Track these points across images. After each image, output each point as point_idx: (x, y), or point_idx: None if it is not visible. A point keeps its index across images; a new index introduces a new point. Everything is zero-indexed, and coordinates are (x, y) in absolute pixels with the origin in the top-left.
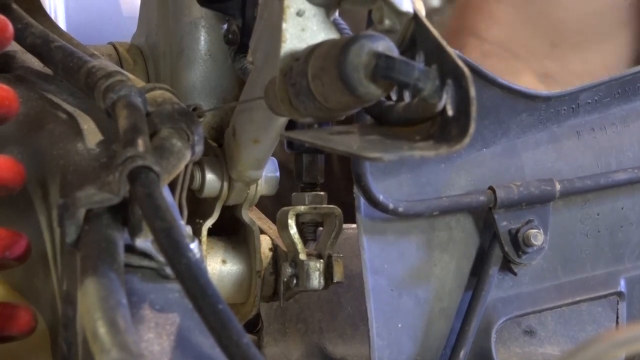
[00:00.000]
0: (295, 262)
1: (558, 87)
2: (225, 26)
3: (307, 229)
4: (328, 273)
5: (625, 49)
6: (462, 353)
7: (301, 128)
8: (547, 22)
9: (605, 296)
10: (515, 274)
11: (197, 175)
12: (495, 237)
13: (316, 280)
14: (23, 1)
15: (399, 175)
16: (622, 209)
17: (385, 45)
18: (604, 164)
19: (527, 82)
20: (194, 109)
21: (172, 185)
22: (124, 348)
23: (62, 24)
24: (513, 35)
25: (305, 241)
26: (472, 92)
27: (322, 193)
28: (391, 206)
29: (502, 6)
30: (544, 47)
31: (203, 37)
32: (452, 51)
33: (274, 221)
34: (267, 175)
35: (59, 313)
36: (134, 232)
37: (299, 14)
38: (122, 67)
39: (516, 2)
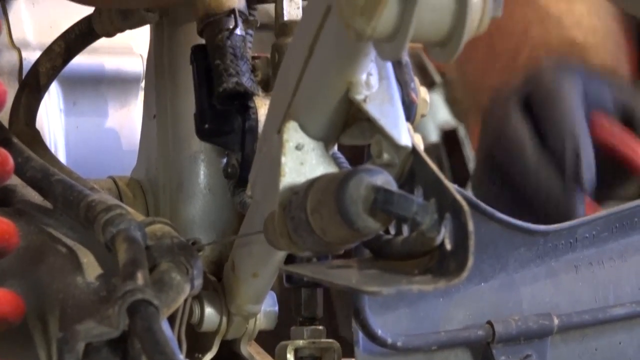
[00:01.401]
0: None
1: None
2: (225, 160)
3: None
4: None
5: None
6: None
7: (300, 262)
8: None
9: None
10: None
11: (196, 309)
12: None
13: None
14: (24, 135)
15: (397, 310)
16: (620, 344)
17: (384, 179)
18: (601, 298)
19: None
20: (193, 243)
21: (171, 319)
22: None
23: (62, 157)
24: None
25: None
26: (470, 226)
27: (320, 327)
28: (389, 341)
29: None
30: None
31: (202, 171)
32: (450, 185)
33: (272, 355)
34: (266, 309)
35: None
36: None
37: (298, 147)
38: (121, 200)
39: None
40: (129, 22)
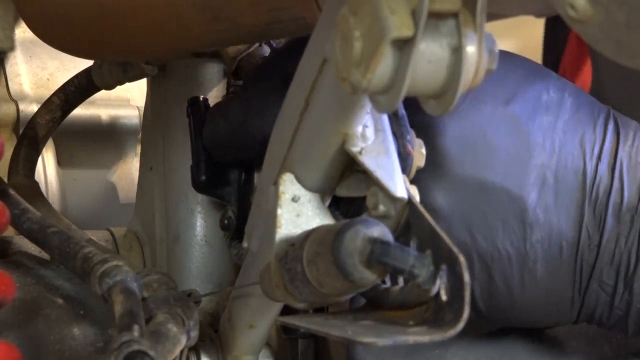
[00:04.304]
0: None
1: None
2: (221, 212)
3: None
4: None
5: None
6: None
7: (296, 313)
8: None
9: None
10: None
11: None
12: None
13: None
14: (22, 187)
15: None
16: None
17: (380, 231)
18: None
19: None
20: (190, 294)
21: None
22: None
23: (59, 209)
24: None
25: None
26: (466, 277)
27: None
28: None
29: None
30: None
31: (199, 222)
32: (445, 236)
33: None
34: None
35: None
36: None
37: (294, 199)
38: (118, 252)
39: None
40: (129, 75)
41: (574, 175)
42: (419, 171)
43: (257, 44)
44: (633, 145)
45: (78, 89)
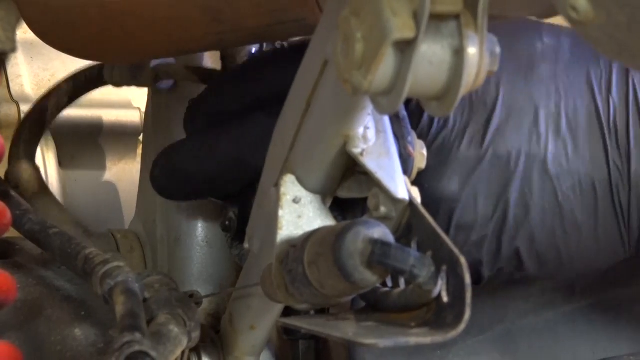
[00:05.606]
0: None
1: None
2: (223, 213)
3: None
4: None
5: None
6: None
7: (297, 314)
8: None
9: None
10: None
11: None
12: None
13: None
14: (24, 171)
15: None
16: None
17: (381, 232)
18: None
19: None
20: (191, 296)
21: None
22: None
23: None
24: None
25: None
26: (468, 278)
27: None
28: None
29: None
30: None
31: (200, 224)
32: (447, 238)
33: None
34: None
35: None
36: None
37: (295, 201)
38: (119, 253)
39: None
40: (137, 81)
41: (587, 114)
42: (431, 164)
43: None
44: None
45: (88, 79)
